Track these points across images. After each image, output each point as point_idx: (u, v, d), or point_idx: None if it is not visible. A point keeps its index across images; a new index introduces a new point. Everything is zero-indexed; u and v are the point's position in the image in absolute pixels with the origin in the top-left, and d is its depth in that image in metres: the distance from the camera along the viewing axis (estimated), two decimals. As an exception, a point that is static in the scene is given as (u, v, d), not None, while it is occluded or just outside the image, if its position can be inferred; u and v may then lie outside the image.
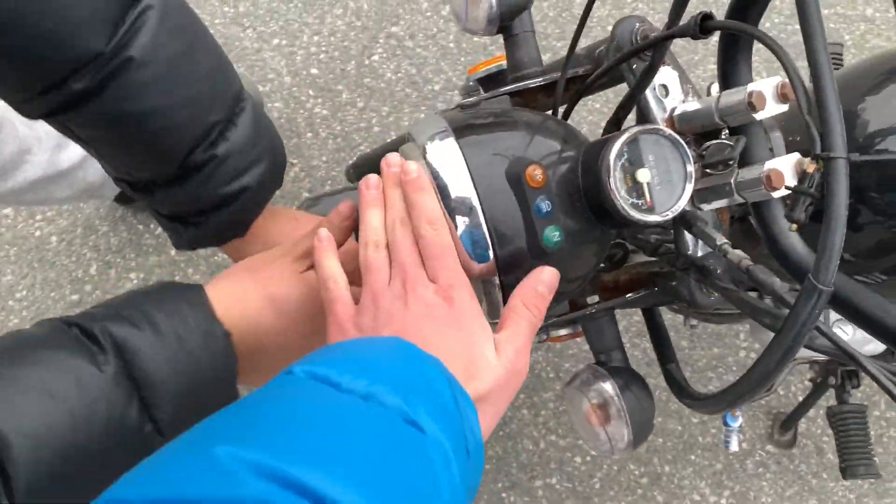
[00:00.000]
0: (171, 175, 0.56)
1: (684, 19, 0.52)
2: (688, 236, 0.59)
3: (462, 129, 0.53)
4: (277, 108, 1.33)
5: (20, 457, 0.38)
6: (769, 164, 0.48)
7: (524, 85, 0.63)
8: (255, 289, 0.52)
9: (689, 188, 0.51)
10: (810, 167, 0.42)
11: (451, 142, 0.52)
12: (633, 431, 0.62)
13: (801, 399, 1.20)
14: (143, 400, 0.43)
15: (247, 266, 0.55)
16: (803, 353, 0.91)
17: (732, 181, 0.53)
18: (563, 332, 0.72)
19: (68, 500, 0.40)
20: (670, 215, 0.50)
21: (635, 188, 0.50)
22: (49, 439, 0.39)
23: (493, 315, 0.53)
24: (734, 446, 1.07)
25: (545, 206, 0.50)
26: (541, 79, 0.63)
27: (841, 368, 1.11)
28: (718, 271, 0.58)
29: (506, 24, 0.64)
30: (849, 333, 0.89)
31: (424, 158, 0.52)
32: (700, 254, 0.59)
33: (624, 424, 0.62)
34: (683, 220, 0.57)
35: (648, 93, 0.59)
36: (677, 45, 1.35)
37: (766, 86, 0.50)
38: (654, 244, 0.63)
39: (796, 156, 0.48)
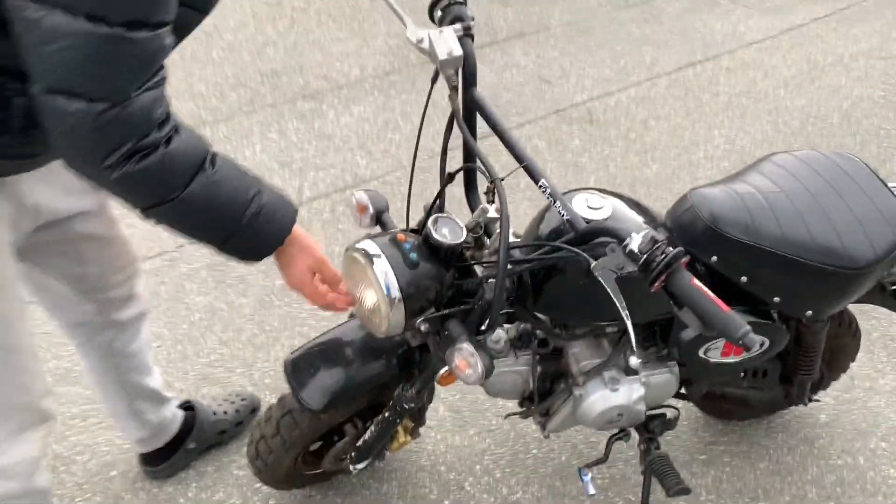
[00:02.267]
0: None
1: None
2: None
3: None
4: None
5: None
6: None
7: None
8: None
9: (464, 234, 1.24)
10: (490, 188, 1.18)
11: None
12: (484, 372, 1.22)
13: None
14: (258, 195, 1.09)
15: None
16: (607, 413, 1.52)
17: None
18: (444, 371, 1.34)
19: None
20: (457, 241, 1.22)
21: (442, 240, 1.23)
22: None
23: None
24: (591, 489, 1.57)
25: (408, 246, 1.21)
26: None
27: (646, 437, 1.68)
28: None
29: (380, 219, 1.40)
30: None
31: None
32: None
33: (479, 366, 1.22)
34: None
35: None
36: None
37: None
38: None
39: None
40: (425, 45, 1.22)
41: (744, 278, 1.42)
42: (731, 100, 3.59)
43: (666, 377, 1.58)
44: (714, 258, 1.41)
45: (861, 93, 3.70)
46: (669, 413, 1.71)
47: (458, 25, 1.23)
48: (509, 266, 1.21)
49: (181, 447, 1.73)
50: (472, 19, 1.26)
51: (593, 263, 1.07)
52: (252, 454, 1.56)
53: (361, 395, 1.44)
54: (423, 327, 1.29)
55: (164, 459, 1.72)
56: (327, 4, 4.25)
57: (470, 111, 1.27)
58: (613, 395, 1.54)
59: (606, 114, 3.42)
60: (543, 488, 1.79)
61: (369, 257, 1.19)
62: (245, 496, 1.75)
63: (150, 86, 0.93)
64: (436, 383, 1.43)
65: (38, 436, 1.27)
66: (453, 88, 1.22)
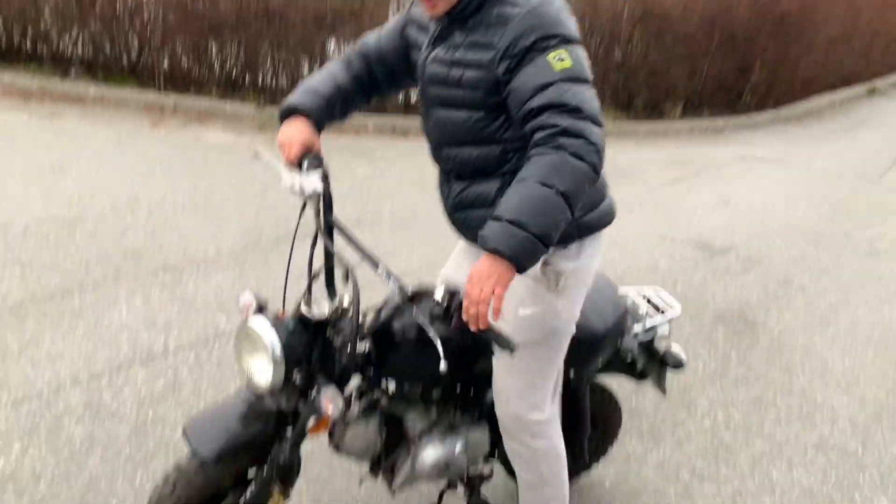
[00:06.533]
0: None
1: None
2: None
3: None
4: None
5: None
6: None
7: (275, 313, 1.85)
8: None
9: (327, 312, 1.75)
10: (345, 273, 1.72)
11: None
12: (344, 406, 1.68)
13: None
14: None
15: None
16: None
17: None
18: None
19: None
20: (322, 315, 1.73)
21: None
22: None
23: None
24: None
25: (286, 321, 1.70)
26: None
27: (468, 487, 2.13)
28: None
29: (262, 311, 1.88)
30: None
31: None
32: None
33: (339, 402, 1.68)
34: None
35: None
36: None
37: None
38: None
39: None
40: (296, 187, 1.79)
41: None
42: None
43: (479, 435, 2.09)
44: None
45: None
46: (486, 470, 2.20)
47: (319, 171, 1.82)
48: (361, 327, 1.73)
49: None
50: (326, 168, 1.86)
51: (415, 310, 1.61)
52: (150, 517, 1.85)
53: (244, 448, 1.82)
54: (297, 380, 1.74)
55: None
56: (182, 198, 4.81)
57: (328, 227, 1.83)
58: (441, 447, 2.02)
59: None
60: (391, 548, 2.17)
61: (258, 329, 1.67)
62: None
63: None
64: (307, 433, 1.85)
65: None
66: (316, 212, 1.78)
